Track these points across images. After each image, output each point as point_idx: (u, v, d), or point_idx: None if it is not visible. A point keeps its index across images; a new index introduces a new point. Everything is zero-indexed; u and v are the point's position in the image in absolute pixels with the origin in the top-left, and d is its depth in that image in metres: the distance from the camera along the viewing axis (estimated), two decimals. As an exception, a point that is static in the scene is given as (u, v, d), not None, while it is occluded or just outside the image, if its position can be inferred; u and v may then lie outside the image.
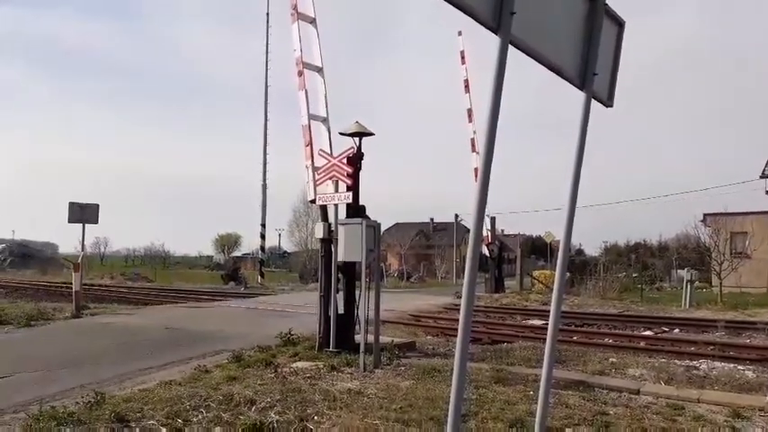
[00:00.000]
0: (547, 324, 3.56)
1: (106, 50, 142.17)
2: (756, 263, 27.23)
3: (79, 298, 14.57)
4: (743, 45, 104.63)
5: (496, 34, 2.41)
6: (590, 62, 3.22)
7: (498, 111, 2.44)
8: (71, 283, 15.41)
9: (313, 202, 9.39)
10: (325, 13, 10.08)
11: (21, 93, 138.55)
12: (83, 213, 15.17)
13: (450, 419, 2.46)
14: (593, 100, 3.32)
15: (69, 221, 15.06)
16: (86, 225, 15.32)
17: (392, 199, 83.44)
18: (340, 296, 9.02)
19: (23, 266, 48.57)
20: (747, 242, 27.97)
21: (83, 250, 16.83)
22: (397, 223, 66.46)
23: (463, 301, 2.43)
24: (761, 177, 29.73)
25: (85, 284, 20.53)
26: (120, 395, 6.11)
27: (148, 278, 42.16)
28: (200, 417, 5.37)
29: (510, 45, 2.46)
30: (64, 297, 20.62)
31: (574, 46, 3.14)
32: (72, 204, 15.10)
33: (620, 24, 3.54)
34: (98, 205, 15.62)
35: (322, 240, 9.11)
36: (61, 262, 45.44)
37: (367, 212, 8.83)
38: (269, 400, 5.92)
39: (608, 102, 3.58)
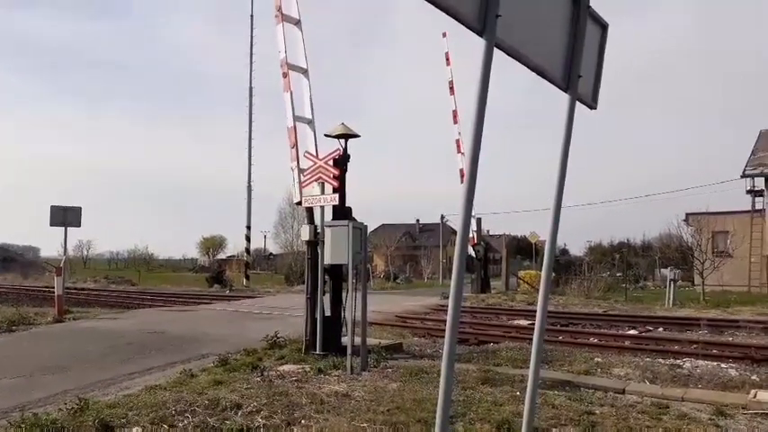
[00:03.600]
0: (532, 324, 3.57)
1: (91, 48, 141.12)
2: (738, 262, 27.60)
3: (61, 302, 14.38)
4: (726, 47, 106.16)
5: (481, 37, 2.40)
6: (574, 64, 3.24)
7: (484, 113, 2.43)
8: (53, 287, 15.20)
9: (299, 204, 9.35)
10: (311, 13, 10.05)
11: (4, 91, 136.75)
12: (65, 216, 14.99)
13: (438, 421, 2.45)
14: (577, 102, 3.35)
15: (51, 224, 14.87)
16: (69, 228, 15.16)
17: (378, 200, 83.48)
18: (326, 298, 9.00)
19: (4, 270, 47.76)
20: (729, 241, 28.35)
21: (65, 254, 16.63)
22: (383, 224, 66.53)
23: (451, 302, 2.43)
24: (742, 177, 30.20)
25: (68, 288, 20.28)
26: (104, 401, 6.03)
27: (132, 281, 41.71)
28: (185, 422, 5.32)
29: (495, 47, 2.46)
30: (46, 301, 20.35)
31: (558, 48, 3.15)
32: (54, 207, 14.92)
33: (603, 27, 3.57)
34: (80, 208, 15.46)
35: (308, 242, 9.07)
36: (43, 265, 44.88)
37: (353, 214, 8.82)
38: (255, 404, 5.88)
39: (592, 103, 3.60)
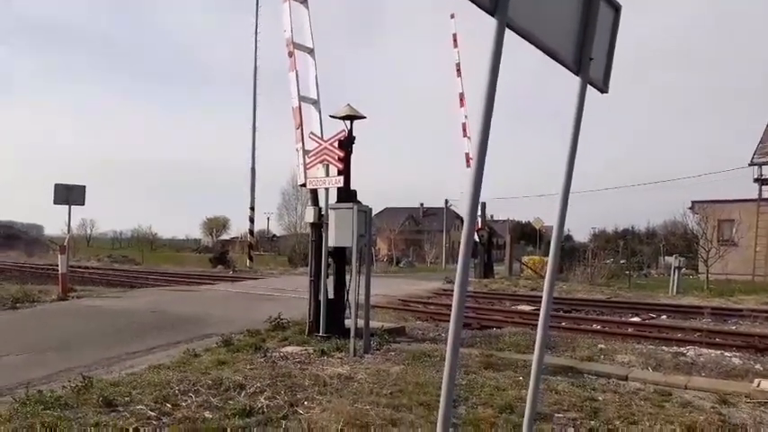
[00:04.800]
0: (535, 310, 3.55)
1: (94, 30, 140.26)
2: (743, 250, 27.54)
3: (65, 280, 14.45)
4: (735, 37, 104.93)
5: (493, 16, 2.34)
6: (586, 47, 3.17)
7: (494, 96, 2.38)
8: (57, 266, 15.26)
9: (303, 185, 9.32)
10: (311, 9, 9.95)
11: (5, 72, 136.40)
12: (69, 195, 15.01)
13: (441, 405, 2.44)
14: (588, 86, 3.28)
15: (55, 203, 14.90)
16: (73, 206, 15.18)
17: (383, 183, 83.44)
18: (330, 281, 8.99)
19: (9, 248, 47.95)
20: (734, 230, 28.24)
21: (69, 232, 16.69)
22: (387, 208, 66.56)
23: (456, 287, 2.39)
24: (749, 165, 30.00)
25: (72, 267, 20.35)
26: (107, 379, 6.06)
27: (135, 261, 41.90)
28: (189, 401, 5.34)
29: (506, 28, 2.40)
30: (50, 279, 20.43)
31: (570, 30, 3.09)
32: (58, 186, 14.93)
33: (616, 9, 3.48)
34: (84, 187, 15.47)
35: (312, 225, 9.05)
36: (47, 244, 45.12)
37: (358, 197, 8.78)
38: (258, 384, 5.90)
39: (603, 87, 3.53)
